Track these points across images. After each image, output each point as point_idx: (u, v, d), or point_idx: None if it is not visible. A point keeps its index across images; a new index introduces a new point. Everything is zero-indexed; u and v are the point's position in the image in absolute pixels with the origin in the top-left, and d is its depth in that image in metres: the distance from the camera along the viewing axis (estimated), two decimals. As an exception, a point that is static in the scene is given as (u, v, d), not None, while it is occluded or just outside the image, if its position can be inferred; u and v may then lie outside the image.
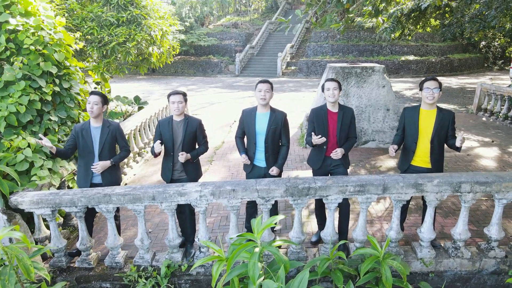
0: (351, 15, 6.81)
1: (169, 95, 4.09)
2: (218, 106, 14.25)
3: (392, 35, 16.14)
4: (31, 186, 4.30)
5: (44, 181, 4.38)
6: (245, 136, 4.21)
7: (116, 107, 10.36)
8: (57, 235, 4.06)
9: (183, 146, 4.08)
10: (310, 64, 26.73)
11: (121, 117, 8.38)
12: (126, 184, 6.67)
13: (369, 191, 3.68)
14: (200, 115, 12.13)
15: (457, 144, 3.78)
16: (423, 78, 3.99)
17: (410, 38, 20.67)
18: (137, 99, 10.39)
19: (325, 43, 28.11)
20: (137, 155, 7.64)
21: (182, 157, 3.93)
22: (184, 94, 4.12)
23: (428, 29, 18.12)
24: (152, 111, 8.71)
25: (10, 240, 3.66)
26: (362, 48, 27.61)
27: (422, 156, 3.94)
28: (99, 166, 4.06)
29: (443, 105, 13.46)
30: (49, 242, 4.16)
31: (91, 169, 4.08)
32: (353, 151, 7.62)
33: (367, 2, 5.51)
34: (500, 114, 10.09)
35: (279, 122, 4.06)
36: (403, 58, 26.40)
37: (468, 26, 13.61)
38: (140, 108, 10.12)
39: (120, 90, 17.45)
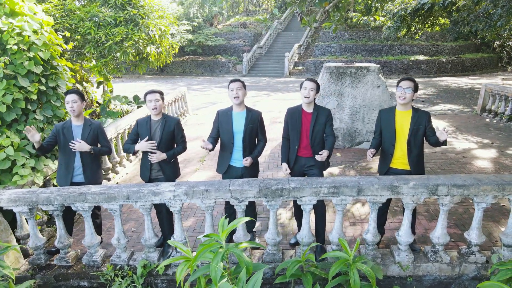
0: (344, 14, 6.71)
1: (145, 94, 4.09)
2: (220, 106, 14.26)
3: (399, 33, 15.93)
4: (12, 184, 4.35)
5: (26, 179, 4.43)
6: (219, 138, 4.16)
7: (115, 107, 10.45)
8: (35, 232, 4.09)
9: (160, 145, 4.07)
10: (318, 64, 26.55)
11: (119, 116, 8.44)
12: (117, 183, 6.71)
13: (343, 192, 3.60)
14: (200, 115, 12.15)
15: (441, 138, 3.63)
16: (400, 78, 3.88)
17: (417, 37, 20.32)
18: (136, 98, 10.46)
19: (333, 43, 27.89)
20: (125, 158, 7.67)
21: (154, 156, 3.92)
22: (161, 93, 4.12)
23: (437, 28, 17.78)
24: (148, 110, 8.74)
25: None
26: (371, 48, 27.32)
27: (400, 158, 3.84)
28: (78, 145, 4.03)
29: (449, 106, 13.23)
30: (30, 239, 4.20)
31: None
32: (346, 152, 7.53)
33: (360, 1, 5.41)
34: (504, 115, 9.83)
35: (255, 121, 4.02)
36: (412, 58, 26.01)
37: (474, 25, 13.31)
38: (139, 107, 10.19)
39: (127, 90, 17.63)
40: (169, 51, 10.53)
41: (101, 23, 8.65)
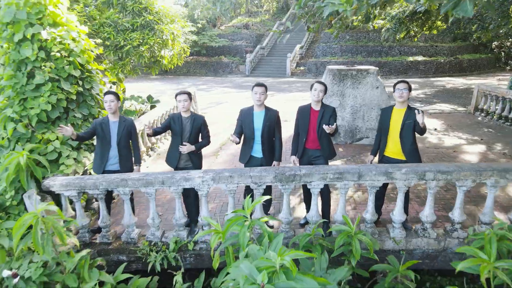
0: (347, 20, 7.36)
1: (176, 95, 4.77)
2: (225, 105, 14.94)
3: (398, 36, 16.59)
4: (59, 173, 5.03)
5: (70, 168, 5.11)
6: (242, 133, 4.82)
7: (130, 106, 11.10)
8: (82, 213, 4.77)
9: (190, 139, 4.75)
10: (319, 64, 27.23)
11: (135, 115, 9.09)
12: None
13: (346, 178, 4.28)
14: (207, 114, 12.82)
15: (418, 119, 4.18)
16: (397, 81, 4.55)
17: (416, 40, 20.99)
18: (149, 98, 11.13)
19: (334, 44, 28.56)
20: (149, 149, 8.36)
21: (185, 147, 4.60)
22: (189, 94, 4.80)
23: (435, 31, 18.43)
24: (164, 109, 9.43)
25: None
26: (371, 49, 27.99)
27: (393, 149, 4.52)
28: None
29: (446, 105, 13.89)
30: (75, 220, 4.86)
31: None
32: (347, 147, 8.20)
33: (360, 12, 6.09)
34: (495, 114, 10.52)
35: (272, 119, 4.69)
36: (411, 59, 26.69)
37: (467, 27, 13.96)
38: (152, 107, 10.86)
39: (134, 89, 18.27)
40: (181, 53, 11.19)
41: (119, 28, 9.32)
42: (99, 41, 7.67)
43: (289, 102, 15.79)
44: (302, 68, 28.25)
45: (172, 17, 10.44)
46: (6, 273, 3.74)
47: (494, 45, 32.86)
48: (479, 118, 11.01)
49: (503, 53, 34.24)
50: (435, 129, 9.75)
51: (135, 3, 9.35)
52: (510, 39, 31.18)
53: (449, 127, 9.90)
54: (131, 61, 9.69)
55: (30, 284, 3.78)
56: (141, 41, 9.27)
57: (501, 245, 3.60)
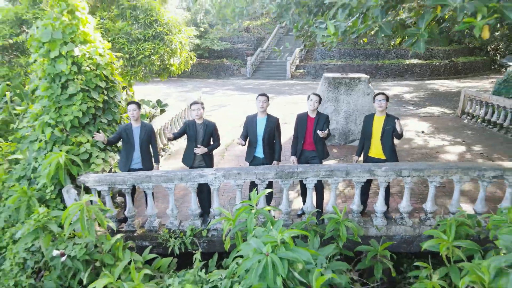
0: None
1: (191, 104, 5.60)
2: (229, 108, 15.78)
3: (392, 42, 17.39)
4: (90, 171, 5.85)
5: (100, 167, 5.94)
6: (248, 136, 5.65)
7: (142, 109, 11.89)
8: (111, 205, 5.60)
9: (203, 142, 5.57)
10: (318, 67, 28.05)
11: (146, 118, 9.91)
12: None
13: (336, 175, 5.10)
14: (211, 117, 13.65)
15: (396, 127, 5.04)
16: (376, 93, 5.37)
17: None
18: (159, 102, 11.96)
19: (332, 47, 29.33)
20: (161, 150, 9.18)
21: (199, 150, 5.43)
22: (202, 103, 5.63)
23: (428, 36, 19.18)
24: (173, 113, 10.26)
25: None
26: (368, 52, 28.80)
27: (375, 150, 5.34)
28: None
29: (436, 108, 14.71)
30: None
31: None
32: (341, 148, 9.03)
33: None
34: (479, 117, 11.34)
35: (273, 125, 5.51)
36: (407, 62, 27.51)
37: (457, 34, 14.75)
38: (162, 110, 11.69)
39: (141, 92, 19.09)
40: (188, 60, 12.01)
41: (132, 39, 10.15)
42: (119, 54, 8.47)
43: (288, 104, 16.60)
44: (301, 70, 29.08)
45: (179, 27, 11.27)
46: (55, 252, 4.56)
47: (490, 48, 33.69)
48: (465, 121, 11.84)
49: (498, 56, 35.11)
50: (423, 132, 10.58)
51: (147, 16, 10.17)
52: (505, 42, 32.04)
53: (436, 130, 10.72)
54: (143, 68, 10.51)
55: (75, 262, 4.60)
56: (152, 50, 10.10)
57: (460, 229, 4.42)
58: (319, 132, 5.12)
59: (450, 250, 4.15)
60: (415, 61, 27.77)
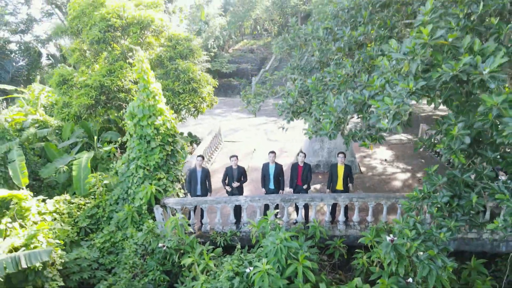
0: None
1: (230, 157, 9.38)
2: (240, 134, 19.54)
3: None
4: (167, 196, 9.64)
5: (171, 193, 9.73)
6: (264, 176, 9.42)
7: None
8: (181, 217, 9.38)
9: (236, 179, 9.35)
10: (315, 88, 31.78)
11: (187, 154, 13.62)
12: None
13: (315, 200, 8.87)
14: (227, 142, 17.39)
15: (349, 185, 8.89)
16: (338, 152, 9.12)
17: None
18: (190, 134, 15.76)
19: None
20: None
21: (235, 185, 9.22)
22: (237, 156, 9.41)
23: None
24: (204, 146, 14.05)
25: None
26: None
27: (339, 186, 9.11)
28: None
29: (406, 135, 18.40)
30: (177, 220, 9.46)
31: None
32: (325, 175, 12.79)
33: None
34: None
35: (279, 170, 9.28)
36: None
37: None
38: (192, 142, 15.49)
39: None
40: (212, 102, 15.80)
41: (174, 91, 13.94)
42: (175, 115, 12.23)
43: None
44: (300, 90, 32.79)
45: (207, 80, 15.06)
46: (160, 244, 8.33)
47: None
48: (421, 150, 15.59)
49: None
50: (385, 160, 14.30)
51: (185, 76, 13.96)
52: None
53: (395, 158, 14.45)
54: (182, 112, 14.32)
55: (170, 250, 8.36)
56: (190, 101, 13.90)
57: (381, 232, 8.16)
58: (305, 187, 9.01)
59: (372, 243, 7.91)
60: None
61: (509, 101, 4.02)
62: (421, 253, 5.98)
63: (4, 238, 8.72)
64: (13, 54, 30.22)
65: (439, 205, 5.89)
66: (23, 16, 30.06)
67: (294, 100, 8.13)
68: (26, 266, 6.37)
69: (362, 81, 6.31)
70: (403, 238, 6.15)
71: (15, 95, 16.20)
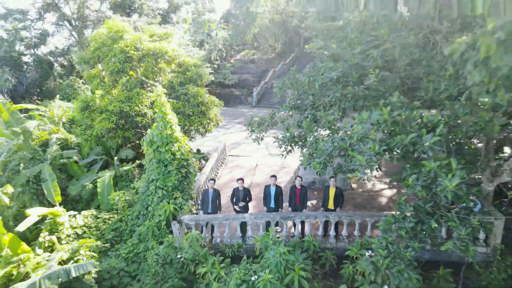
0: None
1: (237, 180, 10.92)
2: (243, 146, 21.08)
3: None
4: (183, 212, 11.18)
5: (186, 210, 11.26)
6: (265, 196, 10.95)
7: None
8: (195, 232, 10.92)
9: (242, 199, 10.89)
10: (313, 99, 33.32)
11: (197, 170, 15.15)
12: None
13: (310, 218, 10.41)
14: (232, 156, 18.91)
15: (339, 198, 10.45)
16: (330, 175, 10.65)
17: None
18: (198, 151, 17.32)
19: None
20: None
21: (241, 204, 10.76)
22: (243, 180, 10.95)
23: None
24: (211, 164, 15.58)
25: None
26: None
27: (330, 206, 10.64)
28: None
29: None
30: (191, 234, 11.00)
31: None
32: (320, 191, 14.33)
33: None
34: (417, 164, 16.61)
35: (279, 191, 10.82)
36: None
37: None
38: (200, 158, 17.03)
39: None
40: (218, 122, 17.34)
41: (185, 114, 15.47)
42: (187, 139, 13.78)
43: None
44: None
45: (213, 102, 16.60)
46: (178, 255, 9.87)
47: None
48: (409, 165, 17.13)
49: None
50: (375, 176, 15.82)
51: (195, 100, 15.50)
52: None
53: (384, 174, 15.95)
54: (191, 134, 15.87)
55: (186, 260, 9.88)
56: (199, 123, 15.44)
57: (365, 245, 9.69)
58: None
59: (357, 255, 9.45)
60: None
61: (442, 166, 5.56)
62: (392, 267, 7.52)
63: (43, 249, 10.28)
64: (27, 66, 31.79)
65: (406, 229, 7.42)
66: (37, 31, 31.62)
67: (292, 136, 9.66)
68: (75, 275, 7.89)
69: (346, 128, 7.84)
70: (378, 256, 7.69)
71: (36, 113, 17.72)
